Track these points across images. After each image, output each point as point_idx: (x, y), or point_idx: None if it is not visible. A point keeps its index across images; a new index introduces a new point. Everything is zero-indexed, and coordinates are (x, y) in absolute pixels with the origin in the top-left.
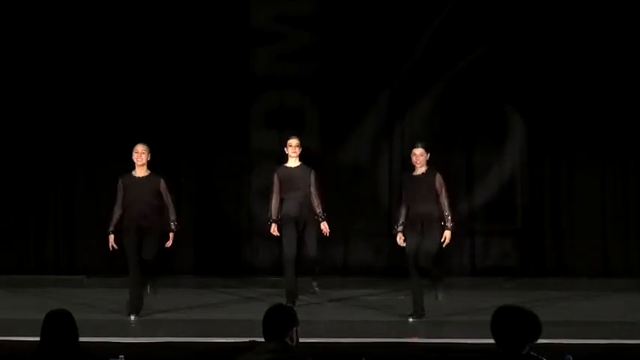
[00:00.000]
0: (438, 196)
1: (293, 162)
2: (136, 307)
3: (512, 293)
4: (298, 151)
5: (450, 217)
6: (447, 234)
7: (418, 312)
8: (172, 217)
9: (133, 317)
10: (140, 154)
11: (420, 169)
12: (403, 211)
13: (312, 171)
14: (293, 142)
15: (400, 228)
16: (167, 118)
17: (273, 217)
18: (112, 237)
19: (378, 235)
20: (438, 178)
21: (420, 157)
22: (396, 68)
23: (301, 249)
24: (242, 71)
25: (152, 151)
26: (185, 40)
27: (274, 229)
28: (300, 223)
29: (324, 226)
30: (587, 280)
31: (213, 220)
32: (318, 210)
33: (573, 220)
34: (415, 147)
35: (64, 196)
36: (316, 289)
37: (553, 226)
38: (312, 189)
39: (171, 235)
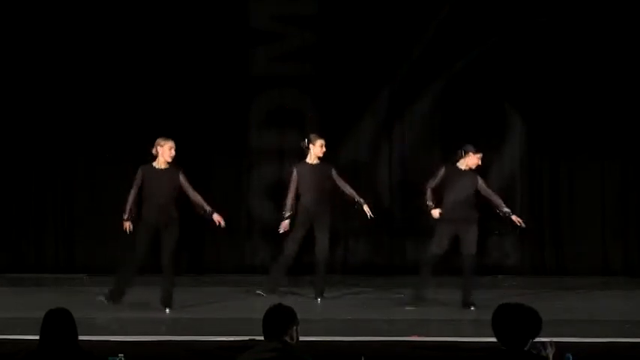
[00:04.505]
0: (478, 195)
1: (314, 160)
2: (115, 295)
3: (511, 292)
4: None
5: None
6: (514, 218)
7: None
8: (206, 207)
9: (105, 300)
10: (172, 151)
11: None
12: (429, 193)
13: (332, 167)
14: (323, 142)
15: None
16: (166, 118)
17: (287, 213)
18: (127, 224)
19: (378, 233)
20: (480, 178)
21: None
22: (396, 68)
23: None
24: (242, 71)
25: (151, 150)
26: (185, 40)
27: (286, 226)
28: (313, 221)
29: (367, 209)
30: (587, 279)
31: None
32: (356, 199)
33: (573, 219)
34: (478, 152)
35: (64, 194)
36: (259, 292)
37: (553, 226)
38: (339, 182)
39: (215, 216)
